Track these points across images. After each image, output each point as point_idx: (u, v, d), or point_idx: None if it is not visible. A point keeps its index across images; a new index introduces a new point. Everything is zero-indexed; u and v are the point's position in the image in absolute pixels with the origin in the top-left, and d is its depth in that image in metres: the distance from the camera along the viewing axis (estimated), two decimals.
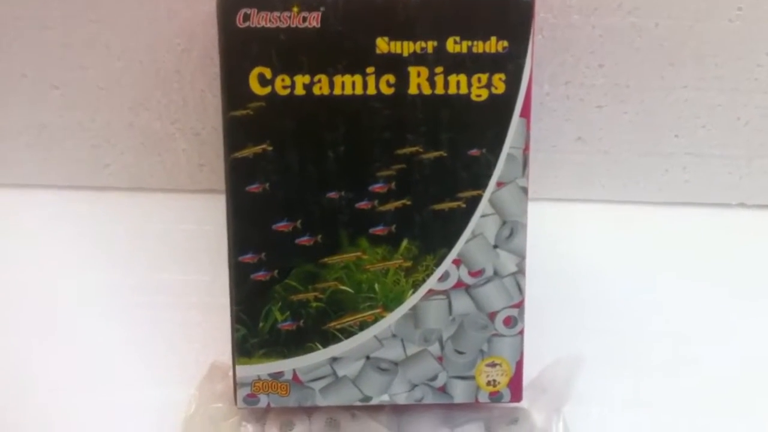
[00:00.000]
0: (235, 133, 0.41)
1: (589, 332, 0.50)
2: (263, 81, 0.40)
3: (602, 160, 0.56)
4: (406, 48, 0.40)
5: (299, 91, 0.40)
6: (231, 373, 0.44)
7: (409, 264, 0.42)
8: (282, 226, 0.42)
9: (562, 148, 0.55)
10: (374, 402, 0.43)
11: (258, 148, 0.41)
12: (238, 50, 0.40)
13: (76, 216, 0.55)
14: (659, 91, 0.53)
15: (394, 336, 0.43)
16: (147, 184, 0.56)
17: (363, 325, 0.42)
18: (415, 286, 0.42)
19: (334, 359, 0.43)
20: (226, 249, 0.43)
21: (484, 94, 0.41)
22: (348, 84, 0.40)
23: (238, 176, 0.41)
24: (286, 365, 0.42)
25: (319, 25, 0.39)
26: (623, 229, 0.56)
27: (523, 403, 0.45)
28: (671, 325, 0.51)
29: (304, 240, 0.42)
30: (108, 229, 0.55)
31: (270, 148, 0.41)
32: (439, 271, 0.42)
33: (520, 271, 0.42)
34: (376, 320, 0.42)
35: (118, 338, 0.49)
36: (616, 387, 0.48)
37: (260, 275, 0.42)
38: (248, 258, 0.42)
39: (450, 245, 0.42)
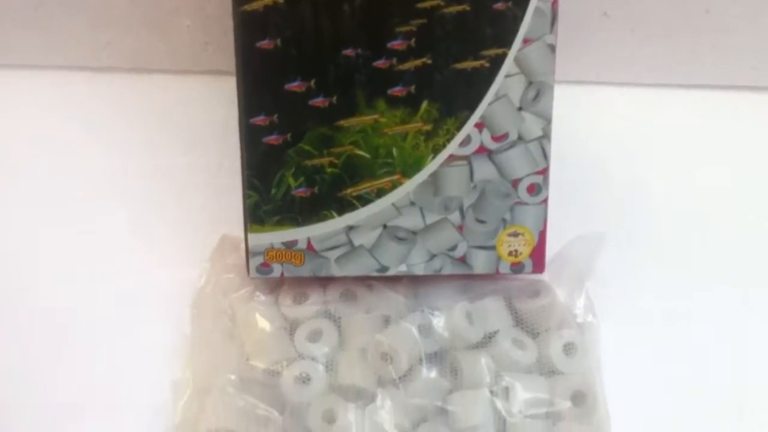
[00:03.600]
0: None
1: (613, 215, 0.48)
2: None
3: (628, 38, 0.53)
4: None
5: None
6: (242, 246, 0.42)
7: (429, 127, 0.40)
8: (295, 86, 0.39)
9: (587, 25, 0.52)
10: (391, 272, 0.42)
11: (269, 0, 0.38)
12: None
13: (75, 98, 0.53)
14: None
15: (412, 204, 0.41)
16: (149, 64, 0.54)
17: (380, 193, 0.40)
18: (435, 151, 0.40)
19: (350, 228, 0.41)
20: (233, 134, 0.40)
21: None
22: None
23: (248, 31, 0.38)
24: (300, 233, 0.41)
25: None
26: (649, 114, 0.53)
27: (545, 277, 0.43)
28: (697, 207, 0.49)
29: (318, 101, 0.39)
30: (108, 112, 0.52)
31: (282, 1, 0.38)
32: (460, 136, 0.40)
33: (546, 135, 0.40)
34: (393, 187, 0.40)
35: (122, 221, 0.48)
36: (640, 268, 0.46)
37: (272, 138, 0.39)
38: (260, 120, 0.39)
39: (472, 107, 0.40)
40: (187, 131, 0.51)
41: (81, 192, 0.49)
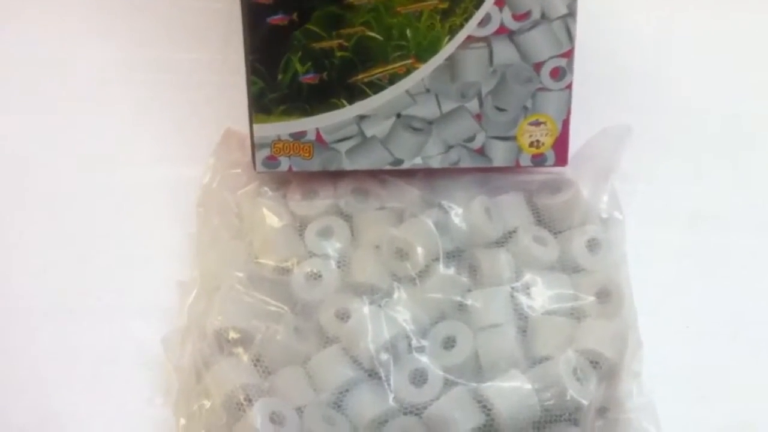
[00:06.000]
0: None
1: (638, 109, 0.45)
2: None
3: None
4: None
5: None
6: (248, 141, 0.40)
7: (445, 5, 0.37)
8: None
9: None
10: (406, 165, 0.39)
11: None
12: None
13: None
14: None
15: (427, 90, 0.38)
16: None
17: (393, 78, 0.38)
18: (452, 32, 0.37)
19: (362, 117, 0.39)
20: (236, 29, 0.38)
21: None
22: None
23: None
24: (308, 124, 0.38)
25: None
26: (679, 6, 0.49)
27: (567, 171, 0.41)
28: (726, 103, 0.46)
29: None
30: (111, 4, 0.49)
31: None
32: (479, 14, 0.37)
33: (571, 13, 0.37)
34: (408, 72, 0.38)
35: (122, 116, 0.45)
36: (665, 164, 0.44)
37: (277, 19, 0.37)
38: None
39: None
40: (191, 24, 0.48)
41: (81, 86, 0.46)
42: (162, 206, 0.42)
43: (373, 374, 0.35)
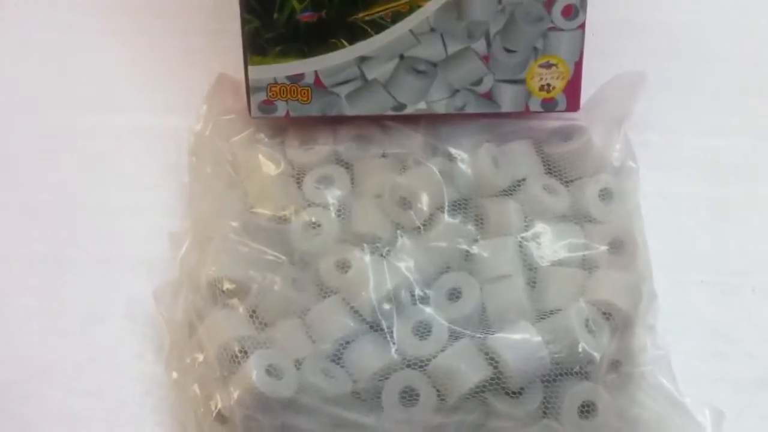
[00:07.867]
0: None
1: (653, 57, 0.44)
2: None
3: None
4: None
5: None
6: (242, 89, 0.38)
7: None
8: None
9: None
10: (409, 111, 0.37)
11: None
12: None
13: None
14: None
15: (432, 30, 0.36)
16: None
17: (396, 17, 0.36)
18: None
19: (363, 59, 0.37)
20: None
21: None
22: None
23: None
24: (306, 66, 0.37)
25: None
26: None
27: (579, 119, 0.39)
28: (744, 51, 0.44)
29: None
30: None
31: None
32: None
33: None
34: (411, 10, 0.36)
35: (115, 63, 0.43)
36: (680, 114, 0.42)
37: None
38: None
39: None
40: None
41: (70, 32, 0.44)
42: (153, 156, 0.40)
43: (374, 326, 0.34)
